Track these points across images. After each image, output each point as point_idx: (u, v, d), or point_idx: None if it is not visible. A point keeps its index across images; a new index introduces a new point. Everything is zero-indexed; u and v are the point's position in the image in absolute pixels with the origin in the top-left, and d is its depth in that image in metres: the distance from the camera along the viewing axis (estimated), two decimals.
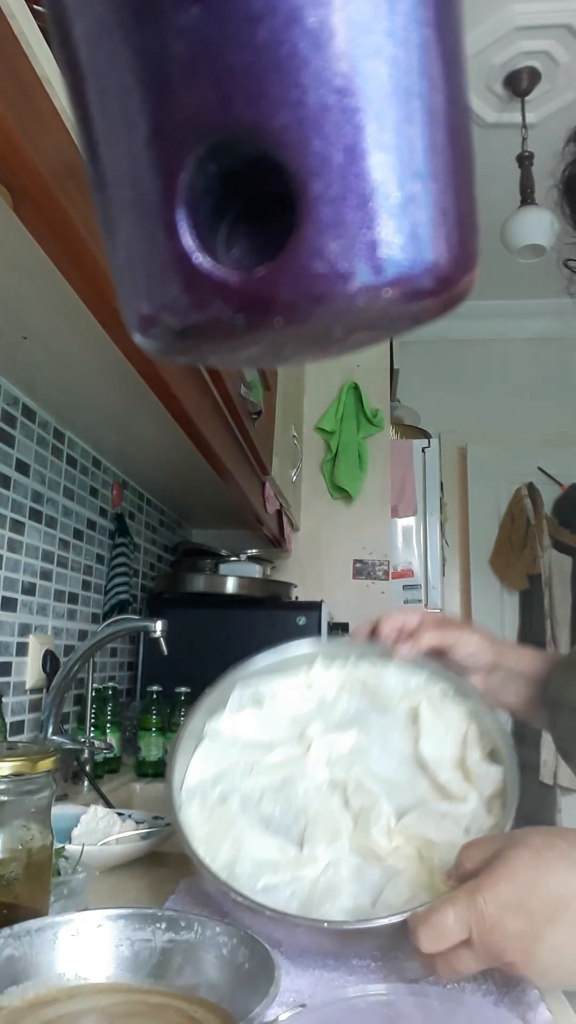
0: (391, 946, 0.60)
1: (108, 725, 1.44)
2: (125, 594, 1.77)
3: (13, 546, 1.28)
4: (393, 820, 0.68)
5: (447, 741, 0.74)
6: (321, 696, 0.80)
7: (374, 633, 0.81)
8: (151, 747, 1.46)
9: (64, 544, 1.49)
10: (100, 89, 0.18)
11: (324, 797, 0.71)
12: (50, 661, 1.36)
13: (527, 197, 2.27)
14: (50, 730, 1.27)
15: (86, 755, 1.31)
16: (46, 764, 0.62)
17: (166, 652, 1.38)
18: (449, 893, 0.54)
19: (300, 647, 0.83)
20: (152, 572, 2.10)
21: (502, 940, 0.50)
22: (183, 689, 1.50)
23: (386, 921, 0.56)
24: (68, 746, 1.27)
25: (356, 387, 2.59)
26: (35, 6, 0.58)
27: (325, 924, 0.58)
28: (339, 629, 2.09)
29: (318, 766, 0.73)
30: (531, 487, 3.23)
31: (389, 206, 0.17)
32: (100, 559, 1.69)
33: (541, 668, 0.86)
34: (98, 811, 0.96)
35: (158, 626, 1.34)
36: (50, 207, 0.65)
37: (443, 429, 3.20)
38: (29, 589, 1.35)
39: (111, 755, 1.44)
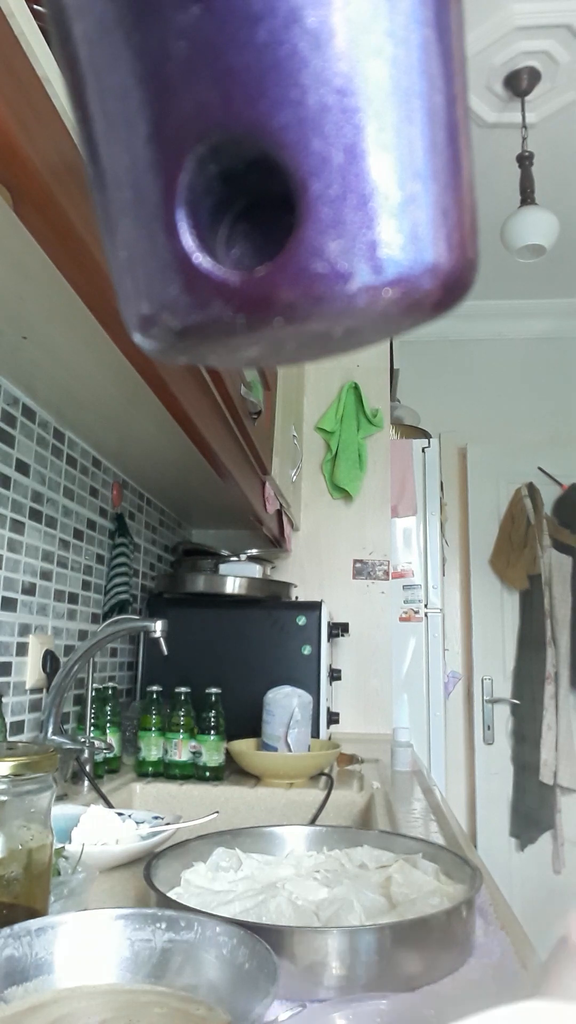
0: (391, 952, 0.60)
1: (108, 725, 1.44)
2: (125, 594, 1.77)
3: (13, 546, 1.28)
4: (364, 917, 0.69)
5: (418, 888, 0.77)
6: (297, 864, 0.85)
7: None
8: (151, 747, 1.46)
9: (64, 544, 1.49)
10: (100, 89, 0.18)
11: (297, 910, 0.72)
12: (50, 661, 1.36)
13: (527, 197, 2.27)
14: (50, 730, 1.27)
15: (86, 755, 1.31)
16: (46, 764, 0.62)
17: (166, 652, 1.38)
18: None
19: (288, 832, 0.91)
20: (152, 572, 2.10)
21: None
22: (183, 689, 1.49)
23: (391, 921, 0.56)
24: (68, 746, 1.27)
25: (356, 387, 2.59)
26: (35, 6, 0.58)
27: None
28: (339, 629, 2.09)
29: (292, 897, 0.75)
30: (531, 487, 3.23)
31: (389, 206, 0.17)
32: (100, 559, 1.69)
33: None
34: (98, 811, 0.96)
35: (158, 626, 1.34)
36: (50, 207, 0.65)
37: (443, 429, 3.20)
38: (29, 589, 1.35)
39: (111, 755, 1.44)
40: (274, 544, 2.29)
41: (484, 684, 3.15)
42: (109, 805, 1.14)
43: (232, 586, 1.84)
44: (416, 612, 2.71)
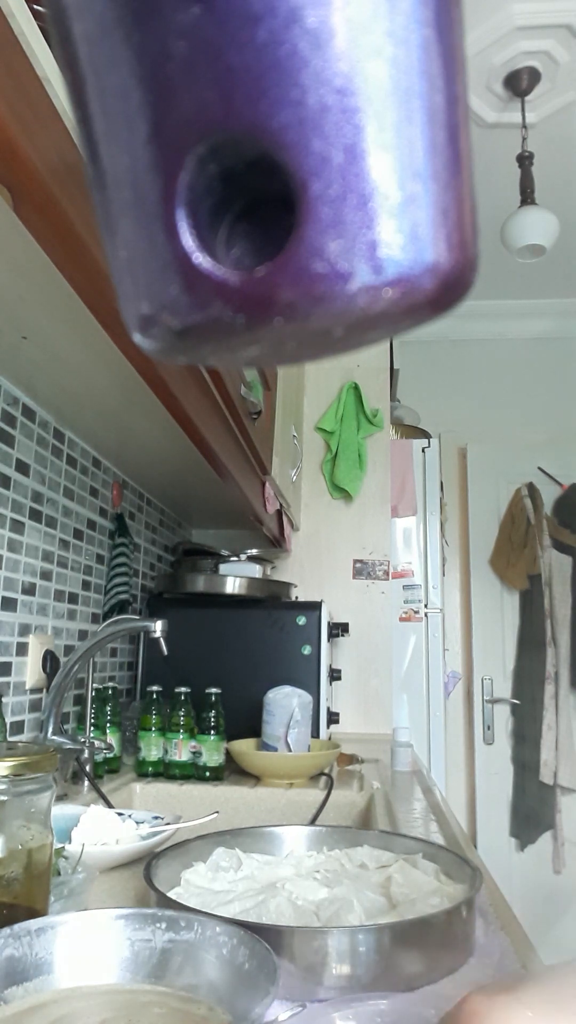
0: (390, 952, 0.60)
1: (108, 725, 1.44)
2: (125, 594, 1.77)
3: (13, 546, 1.28)
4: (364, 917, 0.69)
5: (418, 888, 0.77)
6: (297, 864, 0.84)
7: None
8: (151, 747, 1.46)
9: (64, 544, 1.49)
10: (100, 89, 0.18)
11: (297, 910, 0.72)
12: (50, 661, 1.36)
13: (527, 197, 2.27)
14: (50, 730, 1.27)
15: (86, 755, 1.31)
16: (46, 764, 0.62)
17: (166, 652, 1.38)
18: None
19: (288, 832, 0.91)
20: (152, 572, 2.10)
21: None
22: (183, 689, 1.49)
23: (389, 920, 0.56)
24: (68, 746, 1.27)
25: (356, 387, 2.59)
26: (35, 6, 0.58)
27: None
28: (339, 629, 2.09)
29: (292, 897, 0.75)
30: (531, 487, 3.23)
31: (389, 206, 0.17)
32: (100, 559, 1.69)
33: None
34: (98, 811, 0.96)
35: (158, 626, 1.34)
36: (50, 207, 0.65)
37: (443, 429, 3.20)
38: (29, 589, 1.35)
39: (111, 755, 1.44)
40: (274, 544, 2.29)
41: (484, 684, 3.15)
42: (109, 805, 1.14)
43: (232, 586, 1.84)
44: (416, 612, 2.71)
